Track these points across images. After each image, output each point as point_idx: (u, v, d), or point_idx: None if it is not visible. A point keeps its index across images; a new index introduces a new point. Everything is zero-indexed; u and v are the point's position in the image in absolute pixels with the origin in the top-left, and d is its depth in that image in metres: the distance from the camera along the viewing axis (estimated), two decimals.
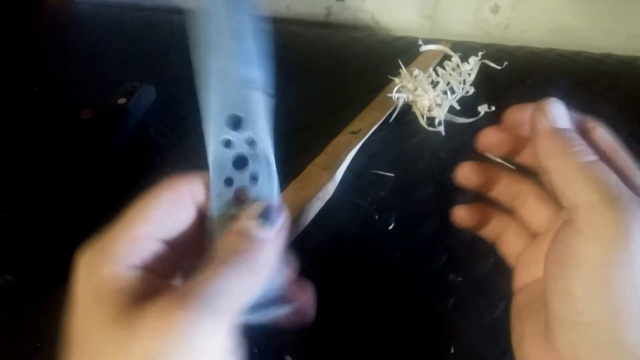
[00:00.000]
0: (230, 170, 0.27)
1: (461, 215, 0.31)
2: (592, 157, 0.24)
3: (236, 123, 0.26)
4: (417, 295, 0.37)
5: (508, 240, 0.31)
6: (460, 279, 0.38)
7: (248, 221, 0.25)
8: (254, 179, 0.27)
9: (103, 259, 0.23)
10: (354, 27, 0.82)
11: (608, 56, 0.66)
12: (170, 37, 0.73)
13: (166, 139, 0.54)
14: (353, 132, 0.51)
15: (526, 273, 0.29)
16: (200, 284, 0.22)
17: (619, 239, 0.21)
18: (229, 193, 0.27)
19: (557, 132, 0.25)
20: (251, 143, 0.27)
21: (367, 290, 0.38)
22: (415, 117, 0.55)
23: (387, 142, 0.52)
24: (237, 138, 0.26)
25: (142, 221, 0.25)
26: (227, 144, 0.26)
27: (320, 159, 0.48)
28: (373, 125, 0.52)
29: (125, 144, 0.51)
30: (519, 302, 0.28)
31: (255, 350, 0.34)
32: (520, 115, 0.28)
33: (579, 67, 0.64)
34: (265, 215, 0.25)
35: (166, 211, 0.25)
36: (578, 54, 0.66)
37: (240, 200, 0.27)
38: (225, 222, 0.26)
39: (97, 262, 0.23)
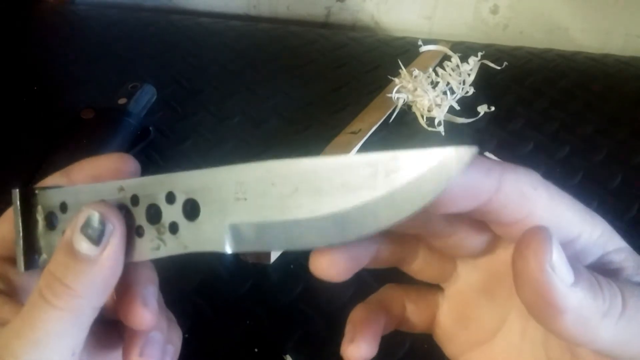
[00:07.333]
0: None
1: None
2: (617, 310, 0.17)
3: None
4: None
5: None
6: None
7: (72, 232, 0.21)
8: None
9: None
10: (354, 28, 0.82)
11: (606, 56, 0.66)
12: (170, 37, 0.73)
13: (166, 139, 0.54)
14: (353, 132, 0.51)
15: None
16: (19, 330, 0.20)
17: None
18: None
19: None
20: None
21: (367, 290, 0.38)
22: (415, 118, 0.55)
23: (387, 142, 0.52)
24: None
25: None
26: None
27: None
28: (373, 126, 0.52)
29: (125, 144, 0.51)
30: None
31: (256, 350, 0.34)
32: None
33: (577, 67, 0.64)
34: (89, 227, 0.20)
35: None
36: (577, 54, 0.67)
37: None
38: None
39: None
